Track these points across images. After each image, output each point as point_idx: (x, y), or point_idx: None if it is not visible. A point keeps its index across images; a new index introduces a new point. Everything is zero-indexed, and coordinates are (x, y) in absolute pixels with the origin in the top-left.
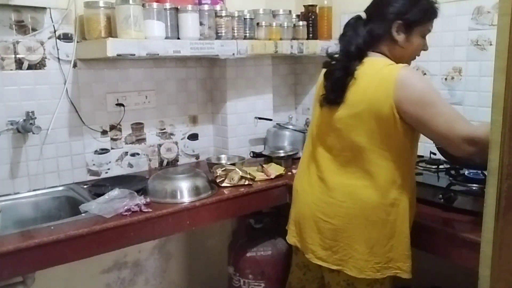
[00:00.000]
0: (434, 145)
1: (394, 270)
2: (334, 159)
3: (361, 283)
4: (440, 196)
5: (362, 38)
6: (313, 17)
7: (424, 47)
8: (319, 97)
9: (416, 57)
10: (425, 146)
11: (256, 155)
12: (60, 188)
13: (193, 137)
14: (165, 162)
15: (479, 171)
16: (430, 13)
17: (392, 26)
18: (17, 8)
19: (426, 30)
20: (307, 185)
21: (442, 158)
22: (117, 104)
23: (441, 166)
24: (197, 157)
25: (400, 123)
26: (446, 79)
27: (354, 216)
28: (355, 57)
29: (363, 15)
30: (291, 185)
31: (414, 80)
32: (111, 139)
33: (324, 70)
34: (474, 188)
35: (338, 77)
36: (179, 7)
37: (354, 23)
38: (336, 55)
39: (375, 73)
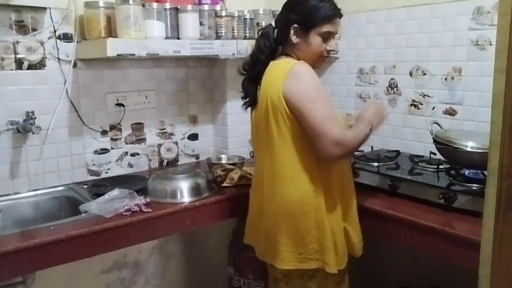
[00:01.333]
0: (434, 145)
1: (321, 263)
2: (257, 158)
3: (291, 274)
4: (440, 196)
5: (269, 44)
6: None
7: (328, 47)
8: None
9: (324, 58)
10: (425, 146)
11: None
12: (60, 188)
13: (193, 137)
14: (165, 162)
15: (479, 171)
16: (322, 15)
17: (290, 30)
18: (17, 8)
19: (324, 32)
20: (251, 188)
21: (442, 158)
22: (117, 104)
23: (441, 166)
24: (197, 157)
25: (291, 115)
26: (446, 79)
27: (274, 211)
28: (261, 63)
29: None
30: None
31: (302, 74)
32: (111, 139)
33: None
34: (474, 188)
35: (248, 83)
36: (179, 7)
37: (266, 32)
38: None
39: (275, 71)
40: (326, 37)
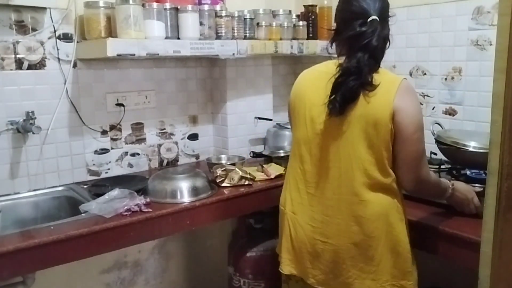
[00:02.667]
0: (436, 145)
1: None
2: (327, 172)
3: None
4: None
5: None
6: (313, 17)
7: None
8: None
9: None
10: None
11: (256, 155)
12: (60, 188)
13: (193, 137)
14: (165, 162)
15: (481, 171)
16: None
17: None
18: (17, 8)
19: None
20: (298, 205)
21: (443, 158)
22: (117, 104)
23: (442, 166)
24: (197, 157)
25: (391, 130)
26: (446, 79)
27: (354, 233)
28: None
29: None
30: None
31: (415, 95)
32: (111, 139)
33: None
34: (476, 188)
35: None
36: (179, 7)
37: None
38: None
39: (382, 85)
40: None
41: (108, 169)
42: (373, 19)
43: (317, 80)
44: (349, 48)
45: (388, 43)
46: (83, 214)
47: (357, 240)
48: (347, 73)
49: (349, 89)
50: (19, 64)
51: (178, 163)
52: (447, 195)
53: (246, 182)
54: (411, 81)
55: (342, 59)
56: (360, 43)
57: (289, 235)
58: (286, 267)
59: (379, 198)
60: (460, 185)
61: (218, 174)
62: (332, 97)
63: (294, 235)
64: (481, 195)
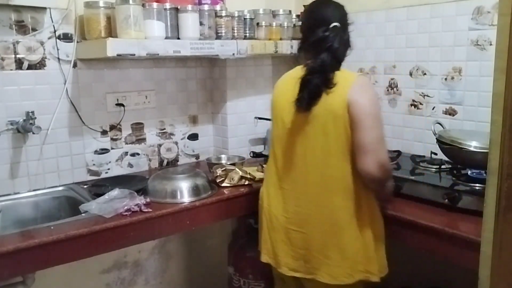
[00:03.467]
0: (436, 145)
1: (364, 274)
2: (296, 167)
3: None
4: (445, 196)
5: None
6: None
7: None
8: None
9: None
10: (425, 146)
11: (256, 155)
12: (60, 188)
13: (193, 137)
14: (165, 162)
15: (482, 171)
16: None
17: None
18: (17, 8)
19: None
20: (273, 199)
21: (443, 158)
22: (117, 104)
23: (443, 166)
24: (197, 157)
25: (348, 125)
26: (446, 79)
27: (322, 223)
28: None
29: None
30: None
31: (369, 88)
32: (111, 139)
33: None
34: (477, 188)
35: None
36: (179, 7)
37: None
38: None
39: (341, 83)
40: None
41: (108, 169)
42: (334, 26)
43: (287, 84)
44: (314, 52)
45: (349, 47)
46: (83, 214)
47: (325, 229)
48: (312, 72)
49: (314, 85)
50: (19, 64)
51: (178, 163)
52: (392, 181)
53: (246, 182)
54: (411, 81)
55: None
56: (324, 46)
57: (266, 227)
58: (264, 256)
59: (343, 188)
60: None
61: (218, 174)
62: (300, 94)
63: (270, 226)
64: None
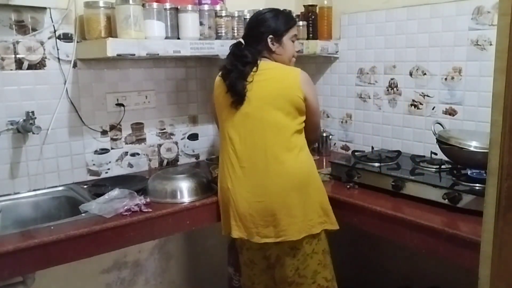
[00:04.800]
0: (436, 145)
1: (324, 224)
2: (254, 146)
3: (301, 243)
4: (445, 196)
5: (250, 55)
6: (313, 17)
7: (296, 49)
8: (229, 102)
9: (294, 58)
10: (425, 146)
11: None
12: (60, 188)
13: (193, 137)
14: (165, 162)
15: (482, 171)
16: (289, 22)
17: (267, 41)
18: (17, 8)
19: (292, 36)
20: (235, 180)
21: (443, 158)
22: (117, 104)
23: (442, 166)
24: (197, 157)
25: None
26: (446, 79)
27: (283, 189)
28: (249, 64)
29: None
30: None
31: (310, 80)
32: (111, 139)
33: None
34: (477, 188)
35: (240, 84)
36: (179, 7)
37: (235, 48)
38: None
39: (283, 73)
40: (294, 40)
41: (108, 169)
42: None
43: (220, 81)
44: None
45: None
46: (83, 214)
47: (284, 194)
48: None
49: (232, 81)
50: (19, 64)
51: (178, 163)
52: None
53: None
54: (411, 81)
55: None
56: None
57: (233, 206)
58: (235, 232)
59: (292, 156)
60: None
61: (216, 174)
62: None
63: (237, 204)
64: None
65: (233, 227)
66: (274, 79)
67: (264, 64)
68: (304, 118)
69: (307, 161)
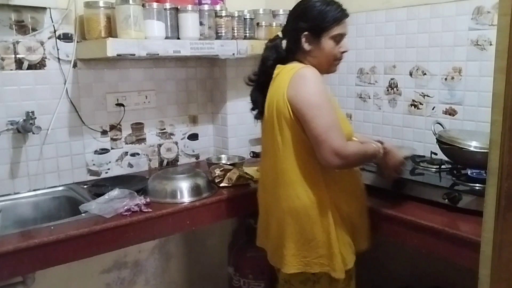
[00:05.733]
0: (436, 145)
1: (326, 267)
2: (262, 162)
3: (295, 279)
4: (445, 196)
5: (278, 54)
6: None
7: (341, 49)
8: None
9: (338, 60)
10: (426, 146)
11: (256, 155)
12: (60, 188)
13: (193, 137)
14: (165, 162)
15: (482, 171)
16: (331, 19)
17: (301, 39)
18: (17, 8)
19: (335, 35)
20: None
21: (443, 158)
22: (117, 104)
23: (442, 166)
24: (197, 157)
25: (295, 119)
26: (446, 79)
27: (279, 215)
28: (268, 74)
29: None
30: None
31: (307, 78)
32: (111, 139)
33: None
34: (477, 188)
35: (257, 94)
36: (179, 7)
37: (275, 45)
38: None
39: (281, 75)
40: (338, 39)
41: (108, 169)
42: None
43: None
44: None
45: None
46: (83, 214)
47: (281, 218)
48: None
49: (251, 92)
50: (19, 64)
51: (178, 163)
52: (377, 159)
53: (245, 182)
54: (411, 81)
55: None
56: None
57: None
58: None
59: (295, 179)
60: (392, 151)
61: (216, 175)
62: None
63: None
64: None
65: (258, 235)
66: (274, 86)
67: (281, 67)
68: (298, 134)
69: (304, 193)
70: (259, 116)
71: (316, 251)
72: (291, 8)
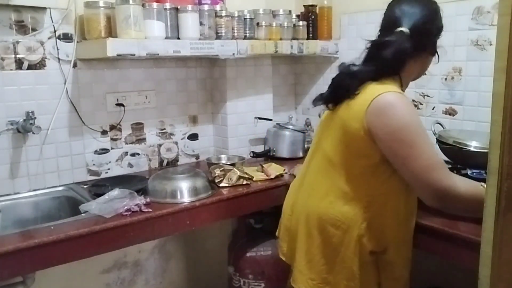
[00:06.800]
0: (436, 145)
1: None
2: (307, 162)
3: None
4: None
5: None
6: (313, 17)
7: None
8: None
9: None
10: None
11: (256, 155)
12: (60, 188)
13: (193, 137)
14: (165, 162)
15: (482, 171)
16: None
17: (423, 53)
18: (17, 8)
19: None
20: (288, 194)
21: (444, 158)
22: (117, 104)
23: None
24: (197, 157)
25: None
26: (446, 79)
27: (301, 223)
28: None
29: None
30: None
31: (396, 108)
32: (111, 139)
33: None
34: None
35: (350, 80)
36: (179, 7)
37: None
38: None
39: (368, 93)
40: (435, 53)
41: (108, 169)
42: (400, 31)
43: None
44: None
45: (416, 59)
46: (83, 214)
47: (302, 230)
48: (344, 73)
49: (336, 87)
50: (19, 64)
51: (178, 163)
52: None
53: (244, 182)
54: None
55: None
56: (374, 54)
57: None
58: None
59: (335, 196)
60: None
61: (216, 174)
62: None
63: (281, 221)
64: None
65: (280, 227)
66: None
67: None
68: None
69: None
70: (328, 102)
71: (325, 277)
72: (291, 8)
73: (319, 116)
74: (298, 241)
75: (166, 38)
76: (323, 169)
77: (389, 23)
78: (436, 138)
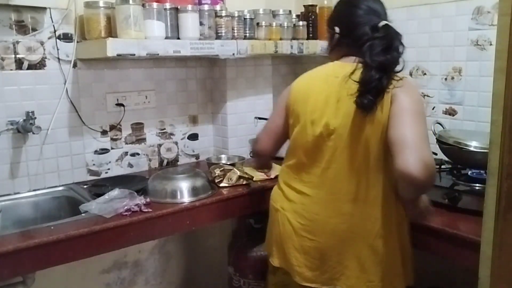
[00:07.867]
0: (436, 145)
1: None
2: (325, 172)
3: None
4: (445, 196)
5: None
6: (313, 17)
7: None
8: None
9: None
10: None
11: None
12: (60, 188)
13: (193, 137)
14: (165, 162)
15: (482, 171)
16: None
17: None
18: (17, 8)
19: None
20: (288, 202)
21: (443, 158)
22: (117, 104)
23: (443, 166)
24: (197, 157)
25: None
26: (446, 79)
27: (341, 232)
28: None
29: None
30: None
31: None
32: (111, 139)
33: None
34: (477, 188)
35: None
36: (179, 7)
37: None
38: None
39: None
40: None
41: (108, 169)
42: (385, 24)
43: (320, 82)
44: (359, 48)
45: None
46: (83, 214)
47: (344, 237)
48: (382, 69)
49: (382, 86)
50: (19, 64)
51: (178, 163)
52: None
53: (244, 182)
54: (411, 81)
55: (346, 61)
56: (387, 43)
57: (278, 231)
58: (276, 260)
59: (374, 198)
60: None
61: (216, 174)
62: (363, 95)
63: (283, 230)
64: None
65: (274, 254)
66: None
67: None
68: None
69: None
70: (369, 111)
71: (382, 275)
72: (291, 8)
73: None
74: (341, 252)
75: (166, 38)
76: (361, 176)
77: (372, 13)
78: (436, 138)
